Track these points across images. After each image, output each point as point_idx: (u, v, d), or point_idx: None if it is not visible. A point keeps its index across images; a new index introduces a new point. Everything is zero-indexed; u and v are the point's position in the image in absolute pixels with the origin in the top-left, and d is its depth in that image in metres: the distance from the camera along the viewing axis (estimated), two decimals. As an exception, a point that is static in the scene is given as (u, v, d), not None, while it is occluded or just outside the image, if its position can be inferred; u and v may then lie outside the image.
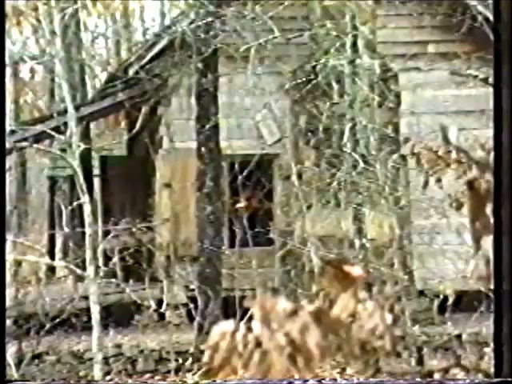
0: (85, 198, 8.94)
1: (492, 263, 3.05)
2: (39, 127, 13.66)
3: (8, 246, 16.77)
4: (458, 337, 13.06)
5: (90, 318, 8.71)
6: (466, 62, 14.57)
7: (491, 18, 14.94)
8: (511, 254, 2.69)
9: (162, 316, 14.60)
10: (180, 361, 13.02)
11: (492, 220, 3.22)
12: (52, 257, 18.55)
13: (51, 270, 18.14)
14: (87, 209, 8.90)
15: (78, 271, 10.44)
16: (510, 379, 2.67)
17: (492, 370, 3.41)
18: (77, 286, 14.59)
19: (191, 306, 14.02)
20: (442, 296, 13.24)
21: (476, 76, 13.86)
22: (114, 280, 12.70)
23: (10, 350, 11.88)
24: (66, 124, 11.19)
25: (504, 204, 2.68)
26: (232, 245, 15.15)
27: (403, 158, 13.35)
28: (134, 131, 16.12)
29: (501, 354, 2.71)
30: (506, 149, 2.59)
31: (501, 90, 2.58)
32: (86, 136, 17.04)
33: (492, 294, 3.24)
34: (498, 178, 2.66)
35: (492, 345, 10.48)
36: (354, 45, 13.63)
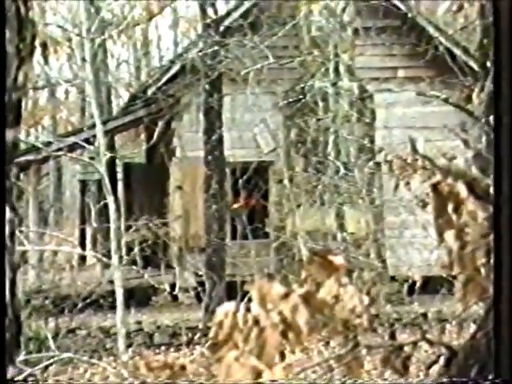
0: (110, 199, 8.91)
1: (455, 254, 3.02)
2: (72, 139, 13.64)
3: (46, 238, 16.76)
4: (424, 315, 13.04)
5: (114, 299, 8.69)
6: (430, 85, 14.58)
7: (451, 47, 14.95)
8: (511, 255, 2.53)
9: (175, 297, 14.60)
10: (190, 335, 13.01)
11: (454, 217, 3.20)
12: (83, 247, 18.51)
13: (82, 258, 18.13)
14: (112, 207, 8.87)
15: (105, 260, 10.42)
16: (509, 379, 2.54)
17: (453, 342, 3.36)
18: (104, 272, 14.56)
19: (200, 289, 14.01)
20: (410, 281, 13.24)
21: (438, 96, 13.85)
22: (134, 267, 12.66)
23: (49, 326, 11.86)
24: (94, 136, 11.18)
25: (504, 206, 2.52)
26: (234, 237, 15.15)
27: (378, 164, 13.32)
28: (152, 142, 16.11)
29: (501, 354, 2.58)
30: (505, 149, 2.45)
31: (501, 95, 2.44)
32: (111, 146, 16.99)
33: (455, 280, 3.17)
34: (498, 179, 2.52)
35: (452, 321, 10.46)
36: (336, 69, 13.62)
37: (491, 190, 3.00)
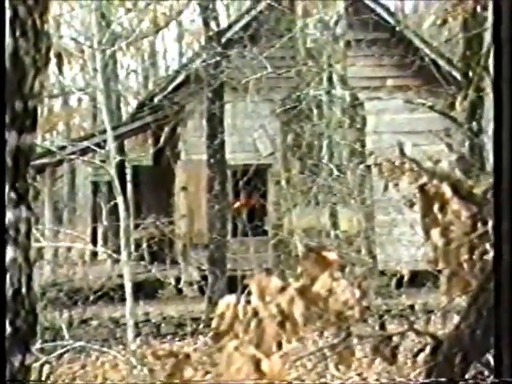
0: (119, 199, 8.88)
1: (440, 250, 3.02)
2: (84, 143, 13.60)
3: (60, 235, 16.75)
4: (411, 307, 13.04)
5: (124, 292, 8.67)
6: (417, 93, 14.58)
7: (436, 58, 14.95)
8: (511, 256, 2.46)
9: (180, 291, 14.57)
10: (194, 326, 12.99)
11: (439, 216, 3.20)
12: (94, 244, 18.49)
13: (94, 254, 18.10)
14: (121, 207, 8.85)
15: (115, 255, 10.39)
16: (509, 379, 2.46)
17: (438, 332, 3.36)
18: (114, 267, 14.54)
19: (203, 282, 14.00)
20: (398, 275, 13.22)
21: (424, 104, 13.86)
22: (142, 262, 12.63)
23: (63, 317, 11.84)
24: (105, 141, 11.16)
25: (504, 206, 2.47)
26: (235, 235, 15.14)
27: (368, 167, 13.33)
28: (158, 146, 16.12)
29: (501, 354, 2.49)
30: (506, 150, 2.40)
31: (501, 92, 2.39)
32: (120, 150, 16.98)
33: (440, 275, 3.16)
34: (498, 180, 2.49)
35: (437, 313, 10.44)
36: (330, 79, 13.60)
37: (475, 190, 3.00)
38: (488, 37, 10.42)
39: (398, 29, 15.28)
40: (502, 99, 2.39)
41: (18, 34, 3.06)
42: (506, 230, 2.45)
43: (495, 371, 2.56)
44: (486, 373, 3.26)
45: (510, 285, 2.45)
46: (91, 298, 12.65)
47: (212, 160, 13.67)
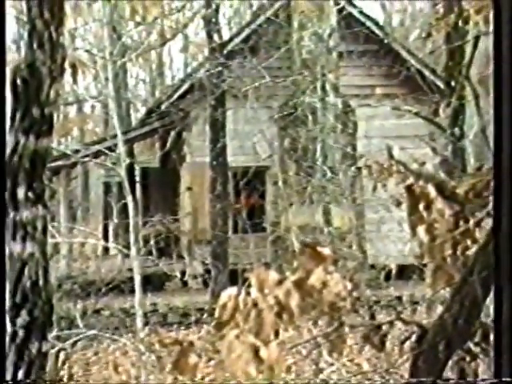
0: (129, 198, 8.88)
1: (425, 246, 3.02)
2: (97, 147, 13.60)
3: (75, 232, 16.72)
4: (399, 298, 13.04)
5: (133, 284, 8.67)
6: (404, 101, 14.57)
7: (421, 69, 14.94)
8: (511, 258, 2.40)
9: (185, 283, 14.57)
10: (198, 315, 12.98)
11: (425, 214, 3.19)
12: (106, 240, 18.46)
13: (106, 249, 18.05)
14: (131, 206, 8.84)
15: (125, 251, 10.40)
16: (509, 379, 2.38)
17: (423, 321, 3.35)
18: (124, 261, 14.53)
19: (206, 276, 13.99)
20: (387, 269, 13.22)
21: (410, 111, 13.85)
22: (150, 257, 12.62)
23: (77, 307, 11.82)
24: (116, 145, 11.15)
25: (504, 206, 2.41)
26: (235, 231, 15.12)
27: (359, 169, 13.31)
28: (165, 149, 16.09)
29: (501, 354, 2.41)
30: (506, 151, 2.34)
31: (501, 92, 2.32)
32: (130, 153, 16.94)
33: (426, 268, 3.15)
34: (498, 181, 2.43)
35: (423, 304, 10.42)
36: (324, 87, 13.59)
37: (457, 190, 2.99)
38: (469, 49, 10.43)
39: (386, 41, 15.28)
40: (502, 99, 2.34)
41: (35, 46, 3.06)
42: (505, 229, 2.40)
43: (495, 371, 2.47)
44: (468, 358, 3.25)
45: (511, 286, 2.39)
46: (103, 289, 12.62)
47: (214, 162, 13.66)
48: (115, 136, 10.35)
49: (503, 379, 2.41)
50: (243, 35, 15.06)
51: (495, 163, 2.42)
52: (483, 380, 2.66)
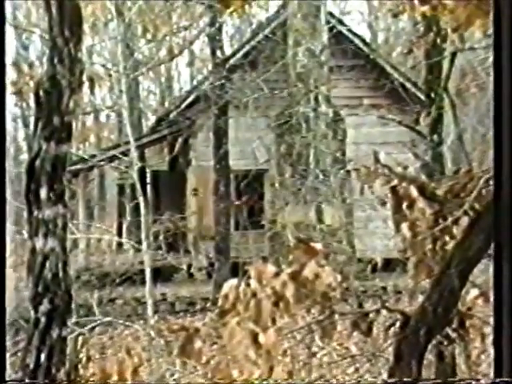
0: (141, 198, 8.87)
1: (408, 241, 3.01)
2: (112, 152, 13.60)
3: (92, 229, 16.69)
4: (384, 288, 13.02)
5: (144, 276, 8.66)
6: (388, 111, 14.59)
7: (404, 82, 14.94)
8: (511, 259, 2.30)
9: (191, 275, 14.55)
10: (203, 304, 12.96)
11: (407, 213, 3.18)
12: (120, 236, 18.44)
13: (120, 244, 18.03)
14: (142, 205, 8.84)
15: (137, 246, 10.39)
16: (509, 379, 2.24)
17: (406, 310, 3.35)
18: (136, 255, 14.52)
19: (210, 268, 13.98)
20: (373, 262, 13.21)
21: (394, 119, 13.86)
22: (160, 251, 12.63)
23: (94, 296, 11.79)
24: (129, 150, 11.15)
25: (503, 206, 2.31)
26: (237, 228, 15.11)
27: (348, 172, 13.31)
28: (173, 154, 16.08)
29: (501, 354, 2.26)
30: (506, 152, 2.28)
31: (501, 96, 2.22)
32: (142, 158, 16.93)
33: (408, 262, 3.15)
34: (498, 181, 2.34)
35: (405, 293, 10.40)
36: (316, 98, 13.58)
37: (437, 191, 2.98)
38: (446, 64, 10.45)
39: (372, 57, 15.29)
40: (502, 99, 2.28)
41: (56, 61, 3.05)
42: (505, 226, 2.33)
43: (495, 371, 2.33)
44: (446, 342, 3.24)
45: (511, 287, 2.29)
46: (117, 280, 12.63)
47: (218, 166, 13.66)
48: (128, 142, 10.34)
49: (503, 379, 2.28)
50: (243, 51, 15.05)
51: (495, 163, 2.33)
52: (483, 380, 2.56)
